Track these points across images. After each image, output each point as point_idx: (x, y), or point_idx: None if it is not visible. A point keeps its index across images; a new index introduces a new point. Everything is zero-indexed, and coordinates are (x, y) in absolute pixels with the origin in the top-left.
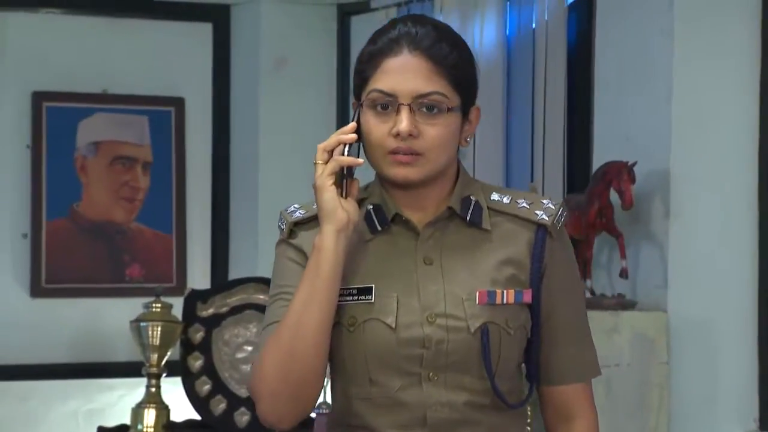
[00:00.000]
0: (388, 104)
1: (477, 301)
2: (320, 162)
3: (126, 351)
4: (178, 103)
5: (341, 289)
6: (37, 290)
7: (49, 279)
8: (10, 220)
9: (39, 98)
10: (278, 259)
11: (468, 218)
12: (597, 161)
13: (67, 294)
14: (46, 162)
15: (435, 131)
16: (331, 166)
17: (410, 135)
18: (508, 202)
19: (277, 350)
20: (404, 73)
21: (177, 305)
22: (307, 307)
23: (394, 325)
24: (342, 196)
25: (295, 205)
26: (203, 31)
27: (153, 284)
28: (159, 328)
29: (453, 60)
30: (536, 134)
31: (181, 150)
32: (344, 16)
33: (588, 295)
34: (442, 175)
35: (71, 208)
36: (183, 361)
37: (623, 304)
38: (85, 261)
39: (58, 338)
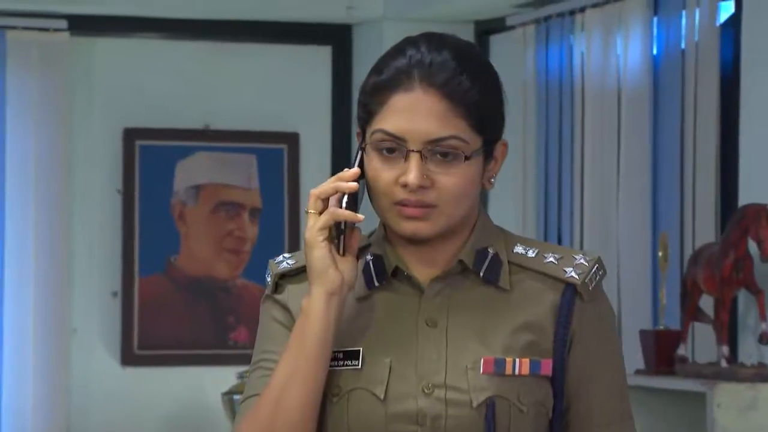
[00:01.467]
0: (395, 148)
1: (481, 370)
2: (312, 212)
3: (230, 426)
4: (292, 139)
5: None
6: (128, 357)
7: (142, 344)
8: (99, 276)
9: (131, 136)
10: (262, 318)
11: (482, 274)
12: (743, 201)
13: (163, 362)
14: (140, 209)
15: (450, 181)
16: (324, 218)
17: (421, 187)
18: (534, 256)
19: (256, 429)
20: (415, 114)
21: None
22: (289, 382)
23: (383, 396)
24: (338, 251)
25: (285, 255)
26: (321, 56)
27: None
28: None
29: (474, 96)
30: (686, 168)
31: (294, 193)
32: (482, 35)
33: (723, 364)
34: (460, 226)
35: (168, 262)
36: None
37: (763, 375)
38: (183, 323)
39: (153, 412)
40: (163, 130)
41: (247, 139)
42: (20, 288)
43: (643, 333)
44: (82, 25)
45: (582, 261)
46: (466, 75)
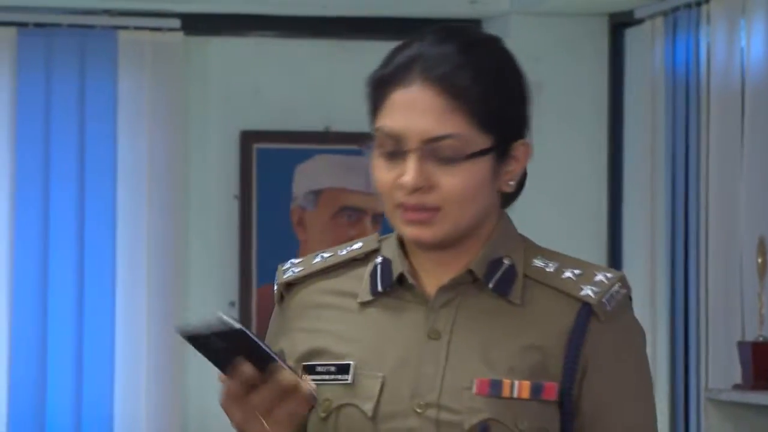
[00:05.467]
0: (396, 149)
1: (474, 391)
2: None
3: None
4: None
5: (318, 365)
6: None
7: None
8: (215, 285)
9: (248, 139)
10: (268, 332)
11: (491, 285)
12: None
13: None
14: (257, 215)
15: (452, 182)
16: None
17: (420, 188)
18: (552, 270)
19: None
20: (412, 111)
21: None
22: None
23: (371, 413)
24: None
25: (293, 261)
26: None
27: None
28: None
29: (478, 91)
30: None
31: None
32: (615, 28)
33: None
34: (474, 233)
35: None
36: None
37: None
38: None
39: None
40: (281, 132)
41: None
42: (133, 298)
43: (741, 345)
44: (197, 24)
45: (602, 278)
46: (469, 68)
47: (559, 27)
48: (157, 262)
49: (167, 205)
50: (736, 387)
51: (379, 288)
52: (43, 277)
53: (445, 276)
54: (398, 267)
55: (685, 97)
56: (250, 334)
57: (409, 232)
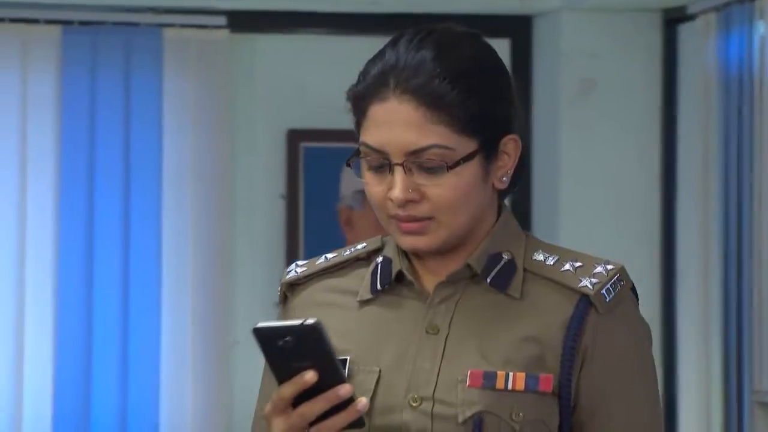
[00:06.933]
0: (381, 163)
1: (467, 383)
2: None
3: None
4: None
5: None
6: None
7: None
8: (261, 285)
9: (295, 138)
10: None
11: (489, 280)
12: None
13: None
14: (304, 215)
15: (441, 192)
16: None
17: (410, 201)
18: (552, 263)
19: None
20: (392, 125)
21: None
22: None
23: (366, 408)
24: None
25: (298, 262)
26: (498, 50)
27: None
28: None
29: (456, 99)
30: None
31: None
32: (669, 24)
33: None
34: (472, 233)
35: None
36: None
37: None
38: None
39: None
40: (328, 131)
41: None
42: (179, 299)
43: None
44: (243, 21)
45: (601, 270)
46: (445, 76)
47: (611, 23)
48: (203, 263)
49: (213, 204)
50: None
51: (378, 286)
52: (89, 278)
53: (444, 272)
54: (397, 265)
55: (739, 94)
56: (324, 332)
57: (405, 241)
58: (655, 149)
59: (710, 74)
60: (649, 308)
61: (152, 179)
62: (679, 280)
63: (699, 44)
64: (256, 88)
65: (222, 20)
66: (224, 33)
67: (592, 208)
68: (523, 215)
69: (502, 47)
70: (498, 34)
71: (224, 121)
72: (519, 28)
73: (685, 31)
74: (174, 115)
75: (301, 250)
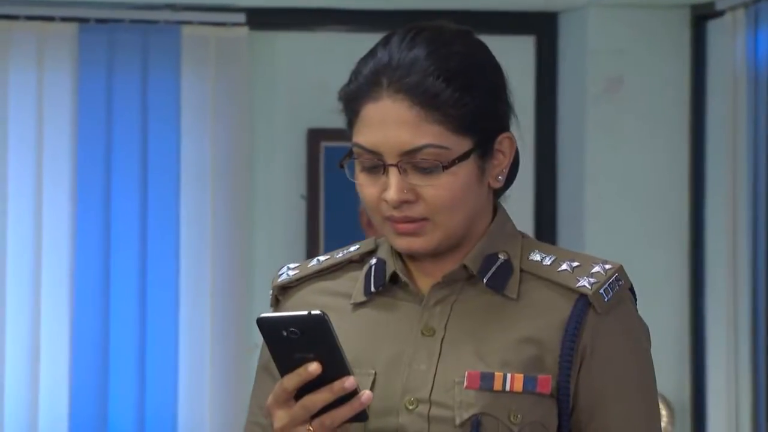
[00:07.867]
0: (375, 164)
1: (464, 385)
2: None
3: None
4: None
5: None
6: None
7: None
8: None
9: (316, 137)
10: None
11: (485, 280)
12: None
13: None
14: (324, 215)
15: (437, 193)
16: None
17: (405, 201)
18: (549, 263)
19: None
20: (386, 125)
21: None
22: None
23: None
24: None
25: (290, 265)
26: (523, 47)
27: None
28: None
29: (450, 97)
30: None
31: None
32: (697, 20)
33: None
34: (468, 233)
35: None
36: None
37: None
38: None
39: None
40: None
41: None
42: (197, 300)
43: None
44: (262, 18)
45: (599, 269)
46: (439, 74)
47: (638, 19)
48: (222, 263)
49: (232, 204)
50: None
51: (372, 288)
52: (105, 279)
53: (439, 273)
54: (391, 266)
55: (767, 90)
56: (330, 323)
57: (400, 243)
58: (683, 148)
59: (739, 71)
60: (678, 309)
61: (170, 179)
62: (707, 280)
63: (727, 41)
64: (276, 87)
65: (241, 17)
66: (243, 30)
67: (619, 207)
68: (548, 215)
69: (527, 44)
70: (523, 31)
71: (243, 120)
72: (544, 24)
73: (713, 27)
74: (192, 114)
75: (322, 251)
